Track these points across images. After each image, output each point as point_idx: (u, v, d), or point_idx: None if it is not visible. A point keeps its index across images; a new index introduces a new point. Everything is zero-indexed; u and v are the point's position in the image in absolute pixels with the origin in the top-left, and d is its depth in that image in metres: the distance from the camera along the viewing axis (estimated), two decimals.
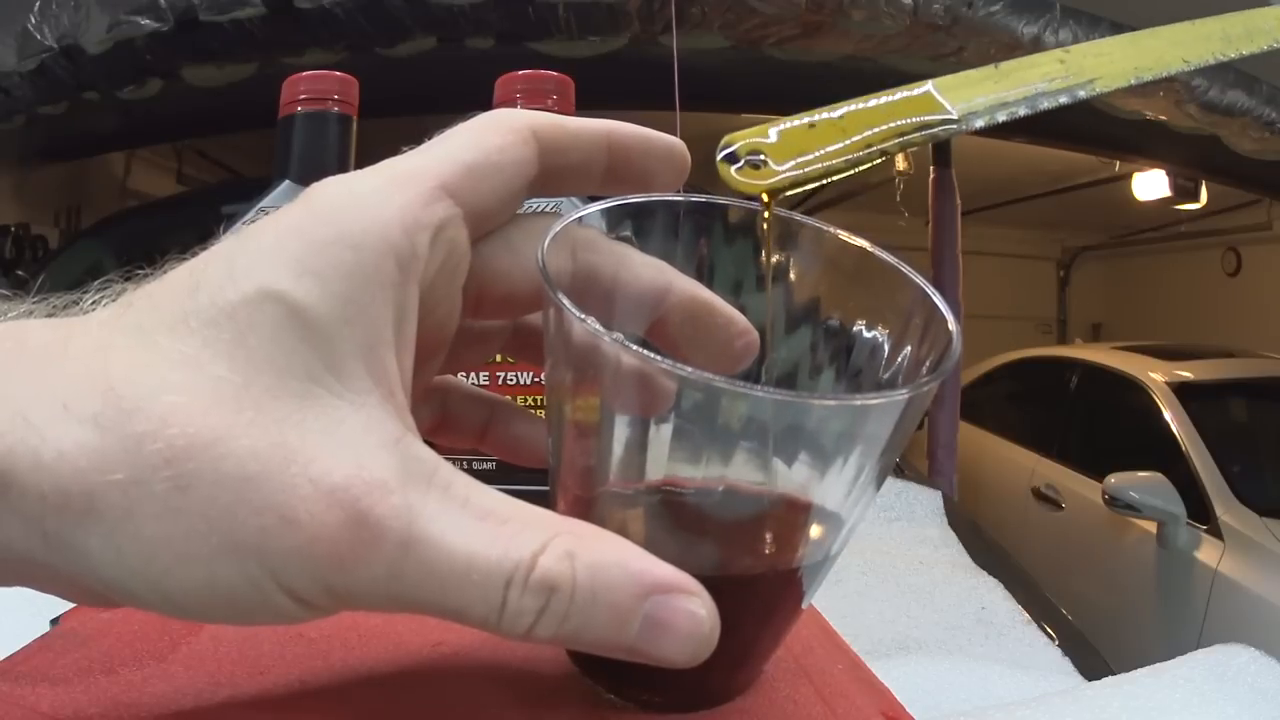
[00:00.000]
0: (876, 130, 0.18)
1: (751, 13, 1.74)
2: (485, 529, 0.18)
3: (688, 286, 0.23)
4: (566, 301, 0.19)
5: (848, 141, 0.19)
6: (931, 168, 2.43)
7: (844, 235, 0.23)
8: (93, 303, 0.21)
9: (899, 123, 0.18)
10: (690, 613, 0.18)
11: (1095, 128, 2.24)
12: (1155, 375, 2.76)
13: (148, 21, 1.65)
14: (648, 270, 0.23)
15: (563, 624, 0.18)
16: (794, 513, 0.21)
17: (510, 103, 0.44)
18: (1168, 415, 2.60)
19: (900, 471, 1.27)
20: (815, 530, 0.21)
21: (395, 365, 0.19)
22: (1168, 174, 3.65)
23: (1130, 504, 2.34)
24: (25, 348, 0.17)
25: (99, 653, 0.24)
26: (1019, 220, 5.15)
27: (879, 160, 0.19)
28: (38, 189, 2.70)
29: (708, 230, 0.24)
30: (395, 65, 1.80)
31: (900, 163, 3.09)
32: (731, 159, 0.20)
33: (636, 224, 0.24)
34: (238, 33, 1.69)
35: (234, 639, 0.26)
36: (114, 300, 0.19)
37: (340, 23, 1.69)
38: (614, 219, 0.23)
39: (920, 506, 0.98)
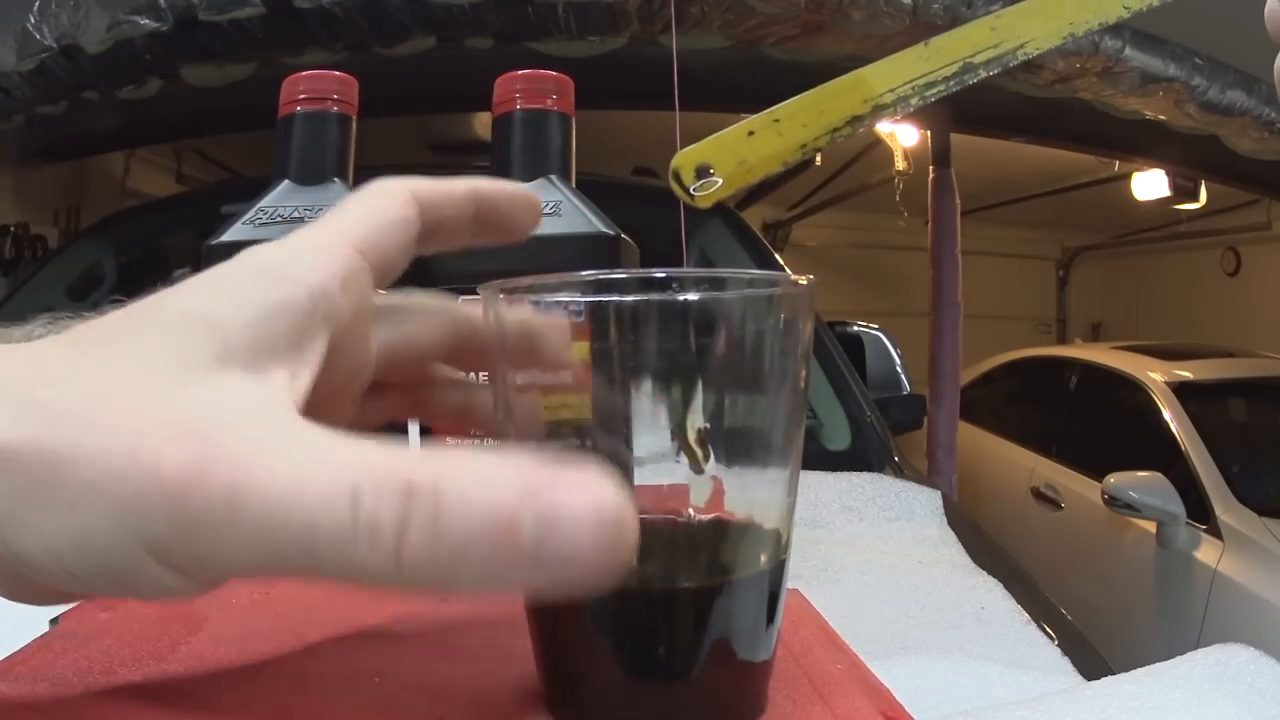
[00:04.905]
0: (810, 130, 0.19)
1: (751, 12, 1.73)
2: (330, 449, 0.17)
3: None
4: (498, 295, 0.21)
5: (784, 145, 0.19)
6: (931, 168, 2.44)
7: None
8: (40, 333, 0.24)
9: (830, 120, 0.19)
10: (589, 485, 0.16)
11: (1095, 128, 2.23)
12: (1155, 375, 2.76)
13: (147, 21, 1.65)
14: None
15: (438, 536, 0.16)
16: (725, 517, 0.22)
17: (510, 103, 0.44)
18: (1167, 415, 2.60)
19: (900, 471, 1.27)
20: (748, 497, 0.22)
21: (285, 374, 0.19)
22: (1167, 174, 3.65)
23: (1130, 504, 2.34)
24: None
25: (98, 653, 0.24)
26: (1018, 220, 5.15)
27: (814, 154, 0.20)
28: (37, 189, 2.70)
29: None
30: (395, 65, 1.80)
31: (900, 162, 3.09)
32: (678, 177, 0.21)
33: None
34: (237, 33, 1.69)
35: (234, 639, 0.26)
36: (57, 331, 0.21)
37: (340, 23, 1.69)
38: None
39: (919, 506, 0.98)
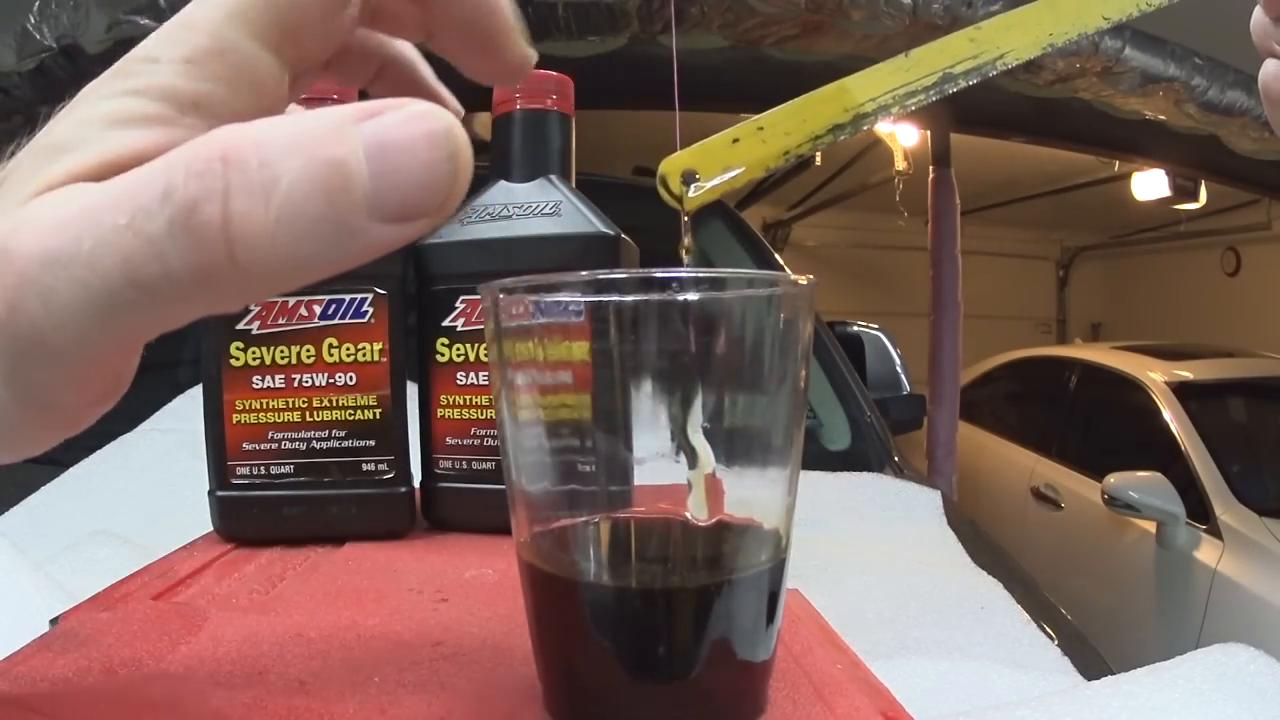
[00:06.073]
0: (792, 137, 0.19)
1: (751, 12, 1.74)
2: (140, 172, 0.15)
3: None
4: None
5: (768, 152, 0.20)
6: (931, 168, 2.44)
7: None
8: None
9: (813, 128, 0.19)
10: (414, 114, 0.14)
11: (1095, 128, 2.24)
12: (1155, 375, 2.76)
13: (147, 21, 1.65)
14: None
15: (267, 203, 0.14)
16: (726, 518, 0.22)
17: (510, 103, 0.44)
18: (1167, 415, 2.60)
19: (900, 471, 1.27)
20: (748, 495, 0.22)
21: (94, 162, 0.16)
22: (1167, 174, 3.65)
23: (1129, 504, 2.34)
24: None
25: (98, 653, 0.24)
26: (1019, 220, 5.15)
27: (795, 161, 0.21)
28: None
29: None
30: None
31: (900, 162, 3.09)
32: (665, 182, 0.21)
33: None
34: None
35: (234, 639, 0.26)
36: None
37: None
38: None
39: (920, 506, 0.98)
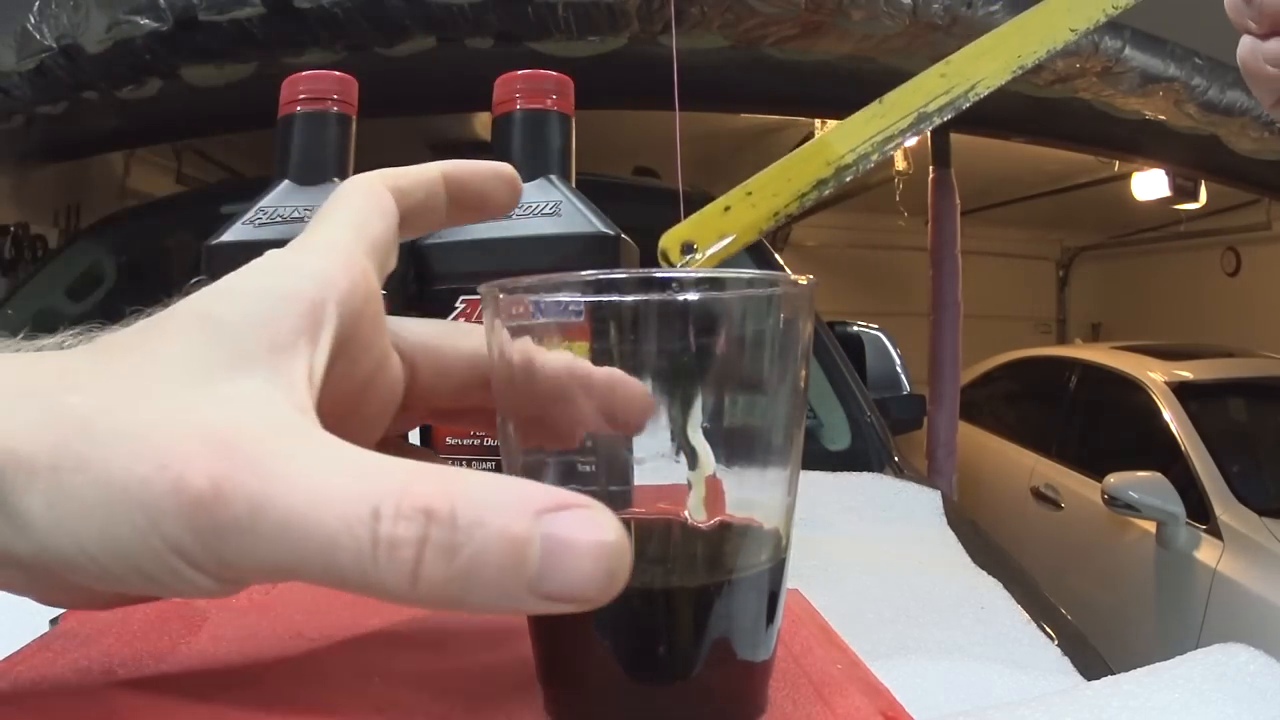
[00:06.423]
0: (780, 198, 0.20)
1: (751, 12, 1.73)
2: (350, 466, 0.18)
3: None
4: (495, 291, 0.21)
5: (759, 215, 0.20)
6: (931, 167, 2.44)
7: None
8: (69, 343, 0.25)
9: (798, 186, 0.20)
10: (593, 524, 0.17)
11: (1095, 128, 2.24)
12: (1155, 375, 2.76)
13: (147, 21, 1.65)
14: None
15: (452, 559, 0.16)
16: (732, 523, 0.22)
17: (510, 103, 0.44)
18: (1167, 415, 2.60)
19: (900, 471, 1.27)
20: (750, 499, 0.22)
21: (304, 368, 0.20)
22: (1167, 174, 3.65)
23: (1129, 504, 2.34)
24: (5, 361, 0.20)
25: (98, 653, 0.24)
26: (1018, 220, 5.15)
27: (785, 221, 0.21)
28: (37, 189, 2.70)
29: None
30: (395, 65, 1.80)
31: (900, 162, 3.09)
32: (666, 256, 0.21)
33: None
34: (237, 33, 1.69)
35: (234, 639, 0.26)
36: (86, 340, 0.22)
37: (340, 23, 1.69)
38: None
39: (919, 506, 0.98)
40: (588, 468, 0.22)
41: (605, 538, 0.17)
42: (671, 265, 0.21)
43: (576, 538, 0.17)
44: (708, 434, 0.21)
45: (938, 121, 0.22)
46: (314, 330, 0.20)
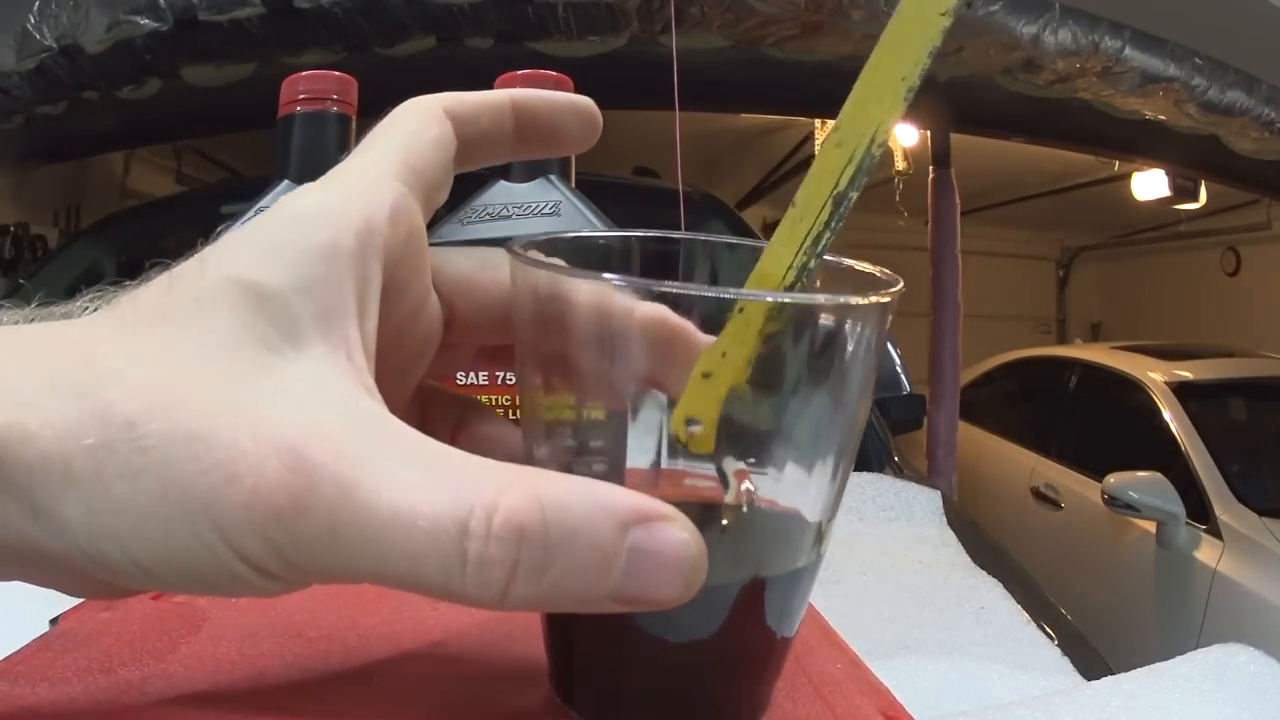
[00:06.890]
0: (746, 345, 0.20)
1: (751, 12, 1.74)
2: (434, 474, 0.17)
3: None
4: (533, 254, 0.20)
5: (734, 370, 0.20)
6: (931, 168, 2.44)
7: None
8: (83, 308, 0.23)
9: (756, 325, 0.19)
10: (676, 538, 0.17)
11: (1095, 128, 2.24)
12: (1154, 375, 2.76)
13: (147, 21, 1.65)
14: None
15: (542, 577, 0.16)
16: (770, 515, 0.21)
17: None
18: (1167, 415, 2.60)
19: (900, 471, 1.27)
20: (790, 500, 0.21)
21: (356, 331, 0.19)
22: (1167, 174, 3.65)
23: (1129, 504, 2.34)
24: (21, 338, 0.19)
25: (98, 653, 0.24)
26: (1018, 220, 5.15)
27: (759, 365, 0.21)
28: (37, 189, 2.70)
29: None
30: (394, 65, 1.80)
31: (900, 162, 3.09)
32: (676, 438, 0.21)
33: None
34: (237, 32, 1.69)
35: (234, 639, 0.25)
36: (104, 304, 0.20)
37: (340, 23, 1.69)
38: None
39: (919, 506, 0.98)
40: (600, 466, 0.22)
41: (687, 552, 0.17)
42: (683, 445, 0.21)
43: (661, 550, 0.17)
44: (741, 433, 0.21)
45: (854, 196, 0.20)
46: (362, 288, 0.19)
